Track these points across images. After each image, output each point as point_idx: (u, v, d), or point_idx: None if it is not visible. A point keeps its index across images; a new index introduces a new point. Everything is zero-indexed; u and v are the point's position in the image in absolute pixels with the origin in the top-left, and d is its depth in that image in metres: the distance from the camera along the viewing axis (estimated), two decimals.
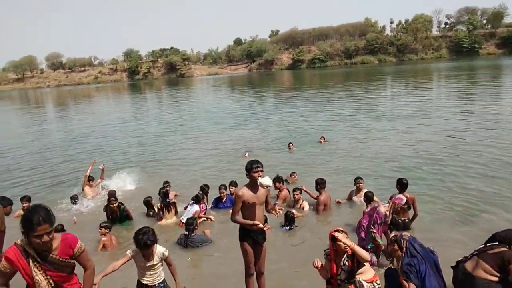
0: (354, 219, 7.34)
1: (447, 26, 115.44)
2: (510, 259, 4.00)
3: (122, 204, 8.40)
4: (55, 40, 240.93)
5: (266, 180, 4.62)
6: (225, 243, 7.05)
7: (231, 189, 8.93)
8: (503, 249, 4.12)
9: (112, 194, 8.48)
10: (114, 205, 8.20)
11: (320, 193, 8.18)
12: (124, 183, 11.07)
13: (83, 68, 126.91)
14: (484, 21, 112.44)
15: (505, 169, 10.02)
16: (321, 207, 8.09)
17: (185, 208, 8.37)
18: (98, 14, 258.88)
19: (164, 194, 8.52)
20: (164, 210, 8.30)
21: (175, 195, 9.44)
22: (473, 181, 9.37)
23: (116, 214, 8.27)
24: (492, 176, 9.57)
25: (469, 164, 10.70)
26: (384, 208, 6.36)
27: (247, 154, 13.36)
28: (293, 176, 10.31)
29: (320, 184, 8.24)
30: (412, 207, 7.09)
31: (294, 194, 8.53)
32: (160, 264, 4.38)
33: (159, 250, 4.35)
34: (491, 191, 8.65)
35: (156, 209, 8.51)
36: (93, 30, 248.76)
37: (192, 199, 8.30)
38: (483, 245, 4.32)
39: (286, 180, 9.99)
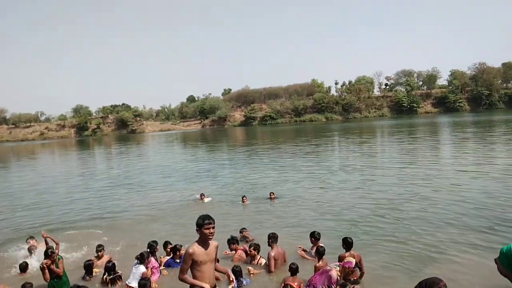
0: (307, 274, 7.27)
1: (387, 87, 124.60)
2: None
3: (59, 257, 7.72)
4: None
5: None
6: None
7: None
8: None
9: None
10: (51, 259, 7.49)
11: (272, 248, 8.04)
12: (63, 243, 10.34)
13: (28, 124, 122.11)
14: (420, 83, 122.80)
15: (453, 217, 10.49)
16: (272, 262, 7.88)
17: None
18: (47, 69, 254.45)
19: (109, 269, 7.77)
20: (110, 285, 7.69)
21: (110, 259, 8.50)
22: (421, 230, 9.68)
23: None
24: (438, 226, 9.95)
25: (417, 214, 11.10)
26: (336, 272, 6.38)
27: (204, 199, 14.60)
28: (245, 232, 10.06)
29: (271, 238, 8.10)
30: (359, 265, 7.13)
31: (249, 250, 8.32)
32: None
33: None
34: (437, 240, 8.95)
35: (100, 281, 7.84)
36: (40, 85, 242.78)
37: (136, 258, 7.70)
38: None
39: (242, 237, 9.76)
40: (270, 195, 14.32)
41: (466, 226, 9.81)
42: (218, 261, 4.80)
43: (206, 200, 14.65)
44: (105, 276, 7.74)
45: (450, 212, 11.12)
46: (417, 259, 8.02)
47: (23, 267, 7.68)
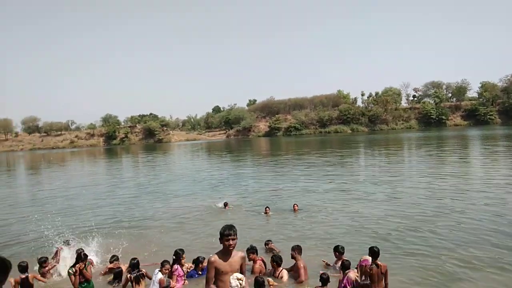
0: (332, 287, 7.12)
1: (415, 99, 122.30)
2: None
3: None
4: (32, 103, 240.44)
5: (233, 281, 4.42)
6: None
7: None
8: None
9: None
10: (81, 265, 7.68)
11: (297, 259, 7.95)
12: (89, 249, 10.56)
13: (59, 132, 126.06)
14: (450, 95, 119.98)
15: (481, 235, 10.11)
16: (302, 271, 7.79)
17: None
18: (78, 79, 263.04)
19: (133, 265, 7.98)
20: (134, 283, 7.79)
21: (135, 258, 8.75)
22: (451, 247, 9.37)
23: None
24: (467, 243, 9.60)
25: (449, 228, 10.77)
26: (353, 274, 6.23)
27: (226, 206, 14.95)
28: (270, 245, 9.95)
29: (296, 250, 8.05)
30: (384, 276, 6.93)
31: (271, 263, 8.24)
32: None
33: None
34: (468, 257, 8.62)
35: (124, 280, 7.97)
36: (72, 94, 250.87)
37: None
38: None
39: (268, 249, 9.67)
40: (294, 207, 14.16)
41: (499, 243, 9.43)
42: (243, 273, 4.72)
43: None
44: (129, 275, 7.82)
45: (483, 227, 10.73)
46: (447, 275, 7.75)
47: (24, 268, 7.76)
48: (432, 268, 8.15)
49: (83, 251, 8.24)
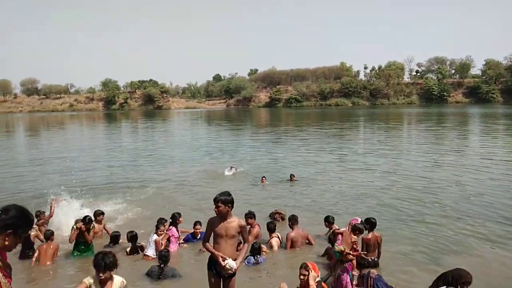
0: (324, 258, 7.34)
1: (418, 74, 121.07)
2: None
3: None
4: (31, 65, 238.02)
5: (231, 263, 4.55)
6: (198, 275, 6.79)
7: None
8: None
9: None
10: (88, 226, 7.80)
11: (293, 229, 8.09)
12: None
13: (59, 95, 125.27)
14: (453, 71, 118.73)
15: (475, 210, 10.22)
16: (288, 243, 7.94)
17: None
18: (78, 42, 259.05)
19: (132, 237, 7.99)
20: (133, 254, 7.90)
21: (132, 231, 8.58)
22: (444, 222, 9.47)
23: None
24: (459, 218, 9.72)
25: (440, 205, 10.86)
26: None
27: (232, 170, 15.48)
28: (277, 209, 9.99)
29: (291, 220, 8.17)
30: (379, 245, 7.09)
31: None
32: None
33: (117, 279, 4.16)
34: (462, 232, 8.74)
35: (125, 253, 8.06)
36: (71, 57, 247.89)
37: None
38: None
39: (275, 214, 9.79)
40: (291, 177, 14.25)
41: (494, 217, 9.58)
42: (245, 241, 4.85)
43: (227, 173, 15.01)
44: (128, 249, 7.94)
45: (488, 201, 10.93)
46: (436, 251, 7.88)
47: (48, 235, 7.94)
48: (426, 240, 8.29)
49: (91, 217, 8.18)
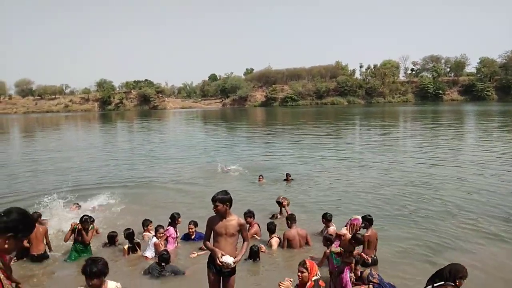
0: (320, 254, 7.29)
1: (413, 72, 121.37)
2: None
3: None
4: (25, 66, 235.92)
5: (228, 259, 4.55)
6: (196, 274, 6.75)
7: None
8: None
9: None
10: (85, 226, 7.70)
11: (291, 228, 8.08)
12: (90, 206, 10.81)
13: (54, 96, 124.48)
14: (448, 69, 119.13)
15: (472, 208, 10.23)
16: (285, 243, 7.93)
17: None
18: (72, 43, 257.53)
19: (128, 235, 7.99)
20: (131, 253, 7.86)
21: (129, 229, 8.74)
22: (444, 217, 9.50)
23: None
24: (456, 215, 9.74)
25: (440, 200, 10.90)
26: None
27: (225, 168, 15.66)
28: (281, 198, 9.94)
29: (289, 219, 8.15)
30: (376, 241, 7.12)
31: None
32: None
33: (111, 285, 4.03)
34: (461, 227, 8.77)
35: (123, 250, 7.98)
36: (66, 58, 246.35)
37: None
38: (430, 286, 4.43)
39: (282, 203, 9.76)
40: (287, 177, 14.13)
41: (493, 213, 9.63)
42: (245, 240, 4.87)
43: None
44: (126, 246, 7.89)
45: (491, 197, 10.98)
46: (433, 248, 7.88)
47: (35, 218, 7.79)
48: (422, 238, 8.31)
49: (90, 217, 8.05)
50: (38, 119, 75.54)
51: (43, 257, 7.64)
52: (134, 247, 7.91)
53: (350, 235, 5.99)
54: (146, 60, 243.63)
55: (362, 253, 5.37)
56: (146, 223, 8.64)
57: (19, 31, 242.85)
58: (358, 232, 6.31)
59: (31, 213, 7.65)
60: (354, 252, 5.58)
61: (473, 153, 18.70)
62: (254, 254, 7.31)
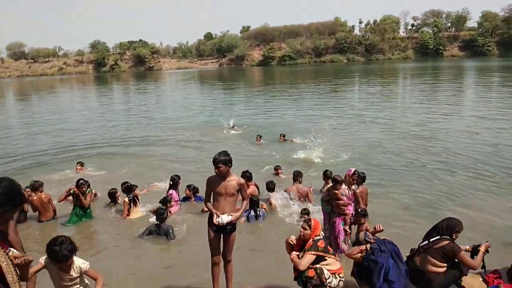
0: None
1: (414, 28, 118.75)
2: (454, 251, 4.47)
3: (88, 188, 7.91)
4: (17, 28, 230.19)
5: (223, 219, 4.62)
6: (195, 233, 6.87)
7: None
8: (445, 242, 4.50)
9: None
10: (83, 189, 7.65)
11: (293, 184, 8.29)
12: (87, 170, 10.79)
13: (47, 59, 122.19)
14: (449, 24, 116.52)
15: (472, 164, 10.22)
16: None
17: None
18: (64, 3, 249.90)
19: (127, 188, 8.03)
20: (132, 205, 7.89)
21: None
22: (439, 174, 9.54)
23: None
24: (455, 171, 9.73)
25: (435, 157, 10.91)
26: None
27: (232, 125, 16.00)
28: (279, 170, 10.01)
29: (293, 175, 8.39)
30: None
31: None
32: (79, 277, 3.84)
33: (77, 263, 3.81)
34: (456, 185, 8.78)
35: (123, 204, 7.97)
36: (58, 20, 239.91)
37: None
38: (427, 241, 4.63)
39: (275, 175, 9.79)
40: (281, 137, 13.99)
41: (484, 171, 9.63)
42: (244, 199, 4.89)
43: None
44: (126, 198, 7.89)
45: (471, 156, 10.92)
46: (431, 202, 7.95)
47: (37, 186, 7.78)
48: (418, 193, 8.34)
49: (85, 180, 7.91)
50: (33, 83, 74.52)
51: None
52: (135, 199, 7.95)
53: (345, 186, 6.07)
54: (140, 20, 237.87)
55: (377, 224, 5.26)
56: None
57: None
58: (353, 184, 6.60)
59: (30, 183, 7.73)
60: (362, 227, 5.72)
61: (476, 109, 18.73)
62: (254, 204, 7.40)
